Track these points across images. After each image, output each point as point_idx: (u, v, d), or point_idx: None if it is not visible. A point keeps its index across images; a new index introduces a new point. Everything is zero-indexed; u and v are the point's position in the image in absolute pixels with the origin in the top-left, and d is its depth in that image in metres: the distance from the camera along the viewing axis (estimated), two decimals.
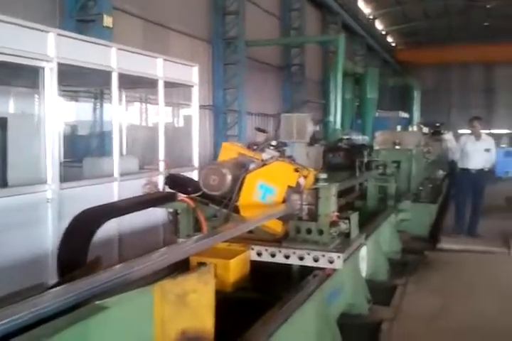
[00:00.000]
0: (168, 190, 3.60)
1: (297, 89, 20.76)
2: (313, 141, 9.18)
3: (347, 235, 3.88)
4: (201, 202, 3.56)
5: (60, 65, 4.93)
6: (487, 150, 7.84)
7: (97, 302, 1.80)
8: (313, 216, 3.61)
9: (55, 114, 4.97)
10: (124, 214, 2.96)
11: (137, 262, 2.05)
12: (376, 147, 8.38)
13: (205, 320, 2.38)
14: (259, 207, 3.42)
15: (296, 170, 3.56)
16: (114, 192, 5.71)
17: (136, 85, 7.92)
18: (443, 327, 4.57)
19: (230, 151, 3.74)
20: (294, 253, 3.51)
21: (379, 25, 34.57)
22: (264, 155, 3.66)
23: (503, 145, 17.99)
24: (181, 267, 2.72)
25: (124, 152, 7.90)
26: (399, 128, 10.79)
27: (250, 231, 3.44)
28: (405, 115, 22.31)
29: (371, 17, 32.33)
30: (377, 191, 7.02)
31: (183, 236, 3.59)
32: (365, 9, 30.88)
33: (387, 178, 7.05)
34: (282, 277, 3.66)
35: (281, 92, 20.58)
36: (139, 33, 11.96)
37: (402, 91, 24.27)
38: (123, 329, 1.87)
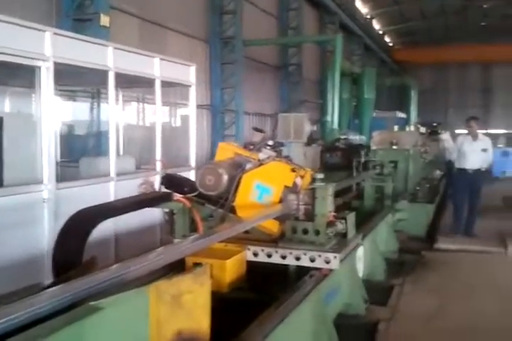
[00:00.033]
0: (164, 189, 3.58)
1: (294, 89, 20.76)
2: (310, 140, 9.19)
3: (344, 235, 3.87)
4: (197, 202, 3.54)
5: (56, 64, 4.92)
6: (484, 150, 7.85)
7: (92, 302, 1.79)
8: (310, 216, 3.60)
9: (52, 113, 4.95)
10: (119, 215, 2.95)
11: (132, 263, 2.04)
12: (373, 147, 8.39)
13: (201, 321, 2.37)
14: (255, 207, 3.41)
15: (293, 170, 3.55)
16: (110, 192, 5.69)
17: (133, 85, 7.91)
18: (440, 327, 4.57)
19: (226, 151, 3.73)
20: (291, 253, 3.49)
21: (376, 25, 34.58)
22: (261, 155, 3.65)
23: (500, 145, 18.02)
24: (177, 268, 2.71)
25: (121, 152, 7.89)
26: (396, 128, 10.76)
27: (247, 232, 3.43)
28: (402, 115, 22.32)
29: (368, 17, 32.35)
30: (375, 191, 7.02)
31: (178, 237, 3.57)
32: (363, 9, 30.90)
33: (384, 178, 7.05)
34: (279, 277, 3.65)
35: (279, 92, 20.58)
36: (136, 33, 11.94)
37: (400, 91, 24.29)
38: (118, 330, 1.86)
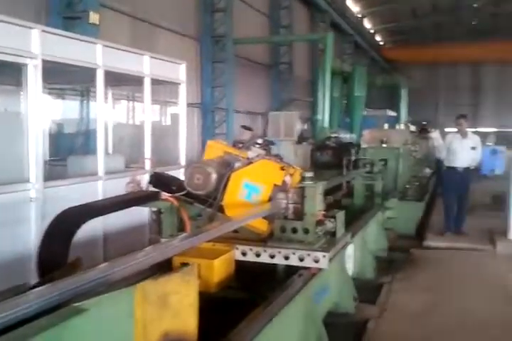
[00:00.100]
0: (152, 188, 3.55)
1: (285, 88, 20.76)
2: (301, 139, 9.18)
3: (333, 234, 3.86)
4: (186, 201, 3.52)
5: (44, 62, 4.86)
6: (473, 148, 7.88)
7: (76, 304, 1.76)
8: (299, 215, 3.59)
9: (39, 111, 4.89)
10: (105, 214, 2.92)
11: (117, 263, 2.01)
12: (364, 145, 8.41)
13: (188, 322, 2.35)
14: (244, 206, 3.39)
15: (282, 169, 3.53)
16: (99, 191, 5.65)
17: (123, 83, 7.85)
18: (429, 325, 4.58)
19: (215, 149, 3.70)
20: (280, 252, 3.48)
21: (367, 23, 34.65)
22: (250, 154, 3.63)
23: (489, 144, 18.12)
24: (164, 268, 2.69)
25: (110, 150, 7.83)
26: (386, 126, 10.81)
27: (235, 231, 3.41)
28: (393, 113, 22.39)
29: (360, 15, 32.40)
30: (365, 189, 7.03)
31: (166, 236, 3.55)
32: (354, 8, 30.94)
33: (374, 176, 7.06)
34: (268, 277, 3.64)
35: (270, 90, 20.56)
36: (127, 31, 11.87)
37: (390, 90, 24.33)
38: (102, 332, 1.83)
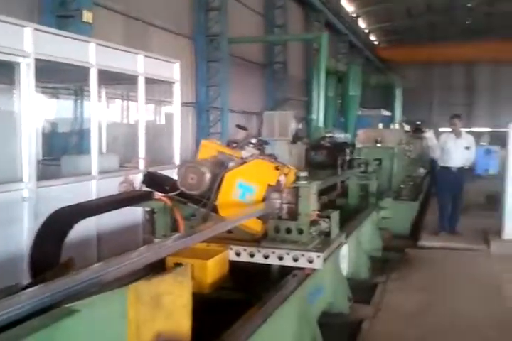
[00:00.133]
0: (145, 188, 3.53)
1: (280, 87, 20.76)
2: (295, 138, 9.16)
3: (327, 234, 3.85)
4: (179, 201, 3.49)
5: (37, 60, 4.83)
6: (467, 147, 7.89)
7: (68, 305, 1.74)
8: (294, 215, 3.57)
9: (32, 110, 4.86)
10: (97, 214, 2.90)
11: (109, 264, 1.99)
12: (358, 145, 8.41)
13: (182, 322, 2.34)
14: (238, 206, 3.37)
15: (277, 168, 3.51)
16: (92, 190, 5.62)
17: (117, 82, 7.82)
18: (423, 325, 4.58)
19: (209, 149, 3.67)
20: (274, 253, 3.47)
21: (362, 23, 34.69)
22: (244, 153, 3.61)
23: (483, 144, 18.17)
24: (157, 268, 2.67)
25: (104, 150, 7.80)
26: (381, 126, 10.80)
27: (229, 231, 3.39)
28: (387, 113, 22.42)
29: (354, 15, 32.43)
30: (359, 189, 7.03)
31: (159, 236, 3.52)
32: (349, 7, 30.96)
33: (368, 176, 7.06)
34: (262, 277, 3.62)
35: (264, 90, 20.55)
36: (121, 29, 11.82)
37: (385, 90, 24.37)
38: (94, 333, 1.82)
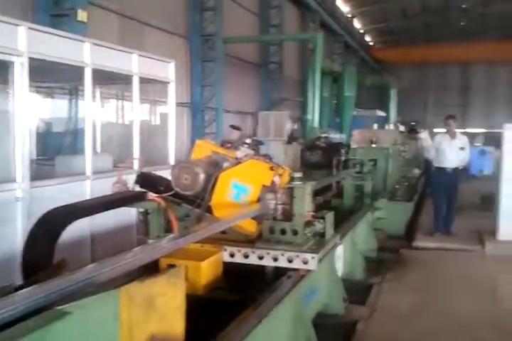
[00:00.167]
0: (139, 188, 3.50)
1: (275, 87, 20.74)
2: (291, 139, 9.15)
3: (322, 235, 3.84)
4: (173, 201, 3.47)
5: (31, 59, 4.80)
6: (462, 148, 7.90)
7: (60, 307, 1.72)
8: (288, 216, 3.56)
9: (26, 110, 4.83)
10: (90, 215, 2.87)
11: (102, 265, 1.98)
12: (353, 145, 8.41)
13: (175, 324, 2.32)
14: (232, 206, 3.35)
15: (271, 169, 3.49)
16: (86, 190, 5.59)
17: (111, 81, 7.79)
18: (418, 326, 4.58)
19: (203, 149, 3.65)
20: (268, 254, 3.45)
21: (357, 23, 34.72)
22: (239, 154, 3.59)
23: (478, 144, 18.22)
24: (150, 270, 2.65)
25: (99, 150, 7.77)
26: (376, 126, 10.81)
27: (224, 232, 3.38)
28: (382, 113, 22.45)
29: (349, 15, 32.46)
30: (354, 189, 7.03)
31: (153, 237, 3.50)
32: (344, 8, 30.98)
33: (363, 176, 7.06)
34: (257, 278, 3.61)
35: (260, 90, 20.53)
36: (115, 29, 11.77)
37: (380, 90, 24.39)
38: (87, 335, 1.80)
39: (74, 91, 9.35)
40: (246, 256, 3.47)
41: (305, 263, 3.42)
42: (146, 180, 3.53)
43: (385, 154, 8.56)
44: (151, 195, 3.35)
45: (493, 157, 15.40)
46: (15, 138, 4.73)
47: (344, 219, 5.65)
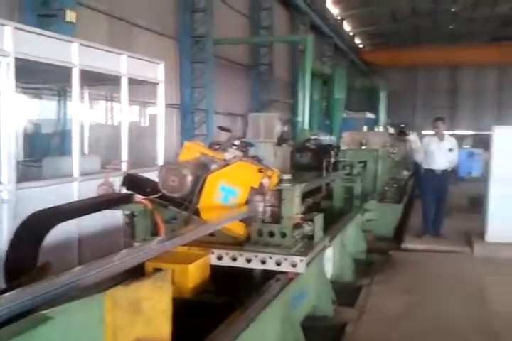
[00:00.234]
0: (125, 191, 3.46)
1: (265, 89, 20.73)
2: (281, 141, 9.14)
3: (311, 237, 3.82)
4: (160, 204, 3.43)
5: (17, 60, 4.75)
6: (450, 150, 7.93)
7: (42, 312, 1.69)
8: (277, 218, 3.54)
9: (12, 111, 4.77)
10: (75, 217, 2.83)
11: (87, 268, 1.94)
12: (343, 147, 8.42)
13: (161, 328, 2.29)
14: (220, 209, 3.32)
15: (260, 171, 3.46)
16: (74, 192, 5.53)
17: (100, 82, 7.73)
18: (407, 328, 4.57)
19: (191, 151, 3.61)
20: (256, 256, 3.42)
21: (347, 26, 34.84)
22: (227, 155, 3.55)
23: (466, 146, 18.31)
24: (136, 273, 2.61)
25: (87, 151, 7.70)
26: (365, 128, 10.85)
27: (212, 235, 3.34)
28: (372, 116, 22.55)
29: (339, 18, 32.56)
30: (344, 191, 7.03)
31: (139, 240, 3.46)
32: (334, 10, 31.06)
33: (353, 178, 7.07)
34: (245, 281, 3.58)
35: (250, 91, 20.52)
36: (104, 29, 11.70)
37: (369, 93, 24.50)
38: (71, 340, 1.77)
39: (62, 93, 9.26)
40: (234, 259, 3.44)
41: (293, 266, 3.40)
42: (132, 182, 3.48)
43: (374, 156, 8.57)
44: (138, 197, 3.30)
45: (481, 159, 15.49)
46: (0, 139, 4.67)
47: (333, 221, 5.64)
